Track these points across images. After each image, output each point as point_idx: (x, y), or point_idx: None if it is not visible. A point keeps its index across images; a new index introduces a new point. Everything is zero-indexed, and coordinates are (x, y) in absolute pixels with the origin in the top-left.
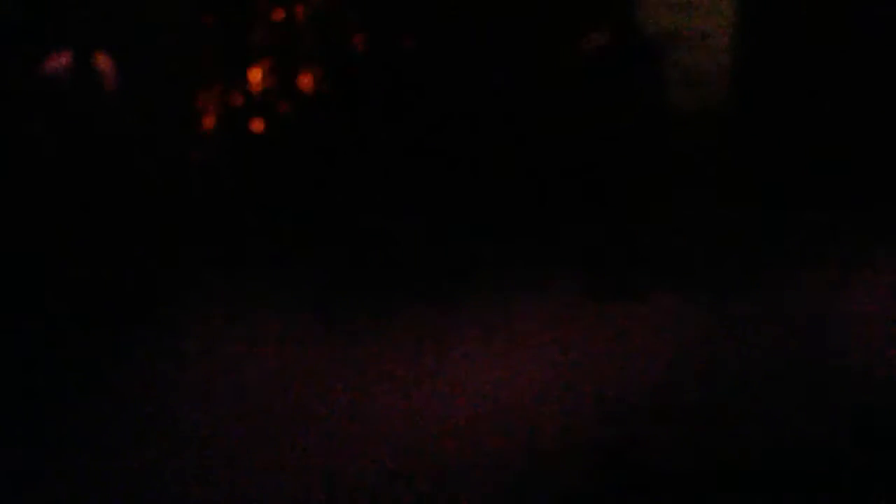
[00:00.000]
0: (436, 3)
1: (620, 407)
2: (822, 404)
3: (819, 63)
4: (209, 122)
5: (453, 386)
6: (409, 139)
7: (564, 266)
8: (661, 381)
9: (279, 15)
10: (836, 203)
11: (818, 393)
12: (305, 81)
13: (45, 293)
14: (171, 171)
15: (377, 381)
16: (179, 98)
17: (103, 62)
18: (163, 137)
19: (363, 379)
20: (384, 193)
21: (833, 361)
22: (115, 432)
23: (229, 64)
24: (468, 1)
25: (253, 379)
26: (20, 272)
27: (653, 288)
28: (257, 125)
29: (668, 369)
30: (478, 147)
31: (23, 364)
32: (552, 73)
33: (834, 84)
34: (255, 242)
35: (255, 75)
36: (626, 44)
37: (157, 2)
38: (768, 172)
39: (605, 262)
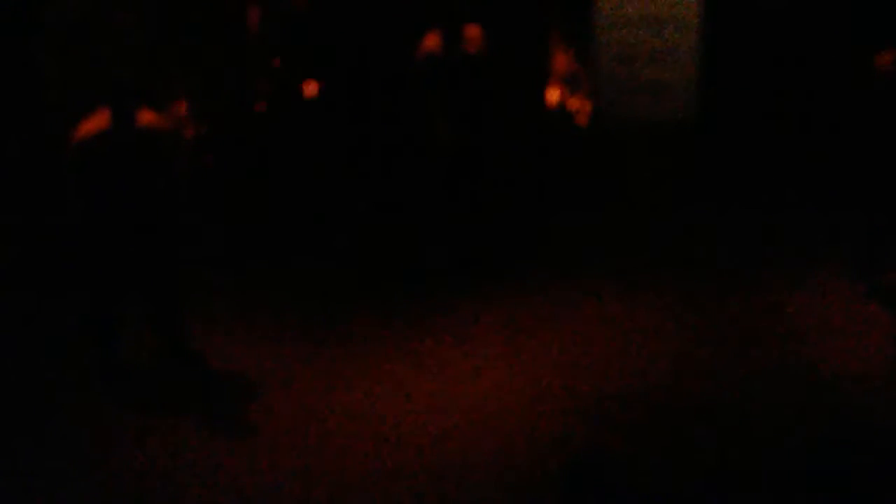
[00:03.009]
0: None
1: (618, 406)
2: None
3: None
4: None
5: (453, 386)
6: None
7: (561, 266)
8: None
9: None
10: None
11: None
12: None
13: None
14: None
15: (377, 381)
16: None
17: None
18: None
19: (363, 379)
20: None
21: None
22: (116, 432)
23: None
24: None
25: (253, 379)
26: None
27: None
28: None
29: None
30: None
31: None
32: None
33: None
34: (255, 241)
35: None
36: None
37: None
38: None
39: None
